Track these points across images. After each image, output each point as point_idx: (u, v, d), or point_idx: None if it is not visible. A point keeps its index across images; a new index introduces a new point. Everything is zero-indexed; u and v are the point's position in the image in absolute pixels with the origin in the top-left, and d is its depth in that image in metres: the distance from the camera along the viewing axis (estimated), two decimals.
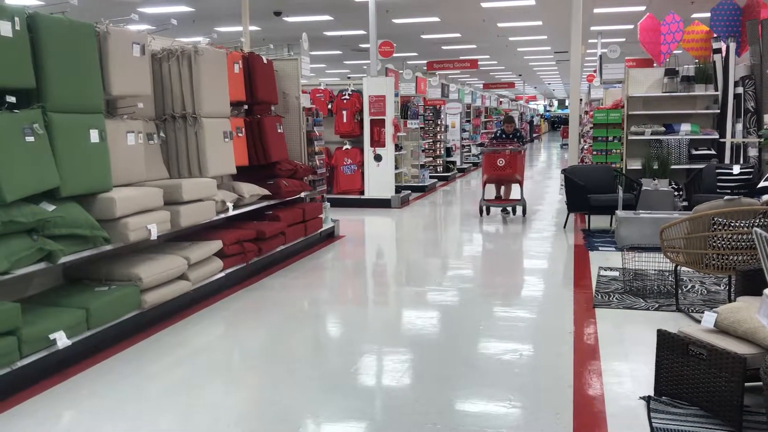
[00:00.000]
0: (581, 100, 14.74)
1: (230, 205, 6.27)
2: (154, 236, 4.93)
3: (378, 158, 11.89)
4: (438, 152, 16.76)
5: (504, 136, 11.31)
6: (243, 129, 6.86)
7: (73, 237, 4.31)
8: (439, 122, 16.71)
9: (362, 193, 12.08)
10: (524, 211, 10.29)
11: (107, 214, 4.62)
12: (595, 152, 11.45)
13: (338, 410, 3.59)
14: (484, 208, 10.47)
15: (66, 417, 3.58)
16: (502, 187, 10.83)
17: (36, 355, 3.93)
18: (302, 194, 7.99)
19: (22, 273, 3.98)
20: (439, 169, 16.71)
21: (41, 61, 4.22)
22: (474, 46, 22.99)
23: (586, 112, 14.62)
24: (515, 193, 10.76)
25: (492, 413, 3.52)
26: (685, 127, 9.59)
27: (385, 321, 5.30)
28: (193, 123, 5.88)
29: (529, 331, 4.89)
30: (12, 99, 4.06)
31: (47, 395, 3.86)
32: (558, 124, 48.13)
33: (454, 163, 18.03)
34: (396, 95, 12.74)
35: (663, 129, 9.66)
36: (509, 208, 10.67)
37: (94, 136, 4.57)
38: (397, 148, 12.65)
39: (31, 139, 4.02)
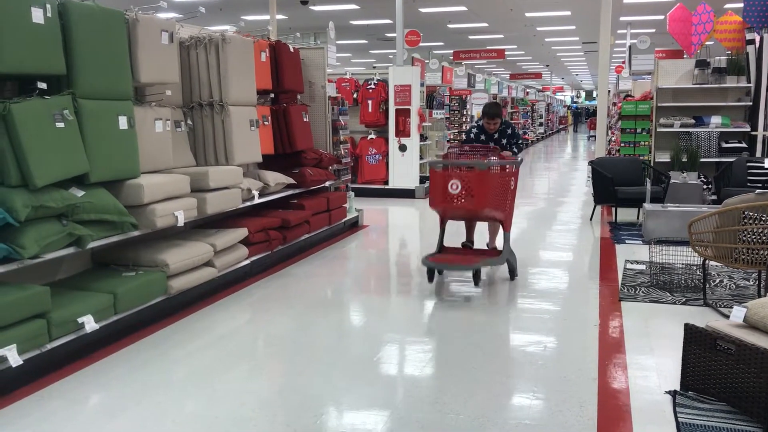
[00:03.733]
0: (609, 91, 14.58)
1: (256, 193, 6.30)
2: (180, 223, 4.98)
3: (403, 148, 11.87)
4: None
5: (483, 138, 6.67)
6: (269, 117, 6.88)
7: (101, 222, 4.37)
8: (464, 112, 16.65)
9: (386, 183, 12.07)
10: (512, 273, 6.04)
11: (135, 200, 4.67)
12: (623, 144, 11.32)
13: (360, 398, 3.60)
14: (428, 272, 5.92)
15: (94, 399, 3.64)
16: (486, 228, 7.08)
17: (65, 338, 3.99)
18: (327, 183, 8.01)
19: (52, 257, 4.04)
20: None
21: (71, 48, 4.26)
22: (501, 36, 22.81)
23: (615, 104, 14.46)
24: (499, 240, 6.65)
25: (515, 405, 3.51)
26: (716, 120, 9.44)
27: (408, 311, 5.30)
28: (220, 111, 5.91)
29: (553, 323, 4.86)
30: (43, 85, 4.11)
31: (76, 378, 3.92)
32: (587, 116, 47.62)
33: None
34: (422, 85, 12.69)
35: (693, 121, 9.52)
36: (477, 271, 5.81)
37: (122, 122, 4.62)
38: (422, 138, 12.62)
39: (61, 125, 4.07)
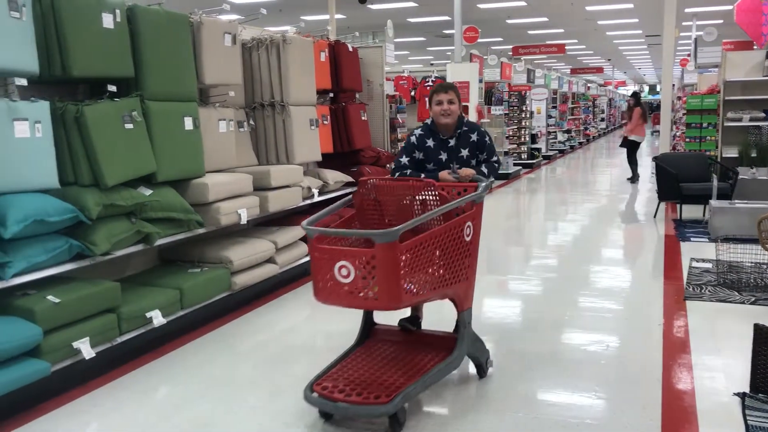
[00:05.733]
0: (674, 85, 14.19)
1: (315, 191, 6.38)
2: (244, 221, 5.08)
3: None
4: (522, 139, 16.51)
5: (432, 145, 4.00)
6: (328, 117, 6.96)
7: (168, 220, 4.50)
8: (524, 108, 16.45)
9: None
10: (480, 369, 3.84)
11: (200, 198, 4.79)
12: (688, 139, 11.01)
13: (420, 395, 3.61)
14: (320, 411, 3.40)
15: (162, 391, 3.76)
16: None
17: (134, 332, 4.14)
18: None
19: (121, 254, 4.19)
20: (524, 156, 16.46)
21: (139, 51, 4.40)
22: (561, 31, 22.46)
23: (679, 98, 14.08)
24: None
25: (576, 404, 3.47)
26: None
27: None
28: (281, 111, 6.01)
29: (616, 322, 4.78)
30: (113, 88, 4.26)
31: (144, 370, 4.06)
32: (650, 111, 46.35)
33: (539, 150, 17.72)
34: (480, 81, 12.60)
35: (763, 115, 9.18)
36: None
37: (188, 123, 4.75)
38: None
39: (130, 126, 4.21)
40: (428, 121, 4.06)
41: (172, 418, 3.42)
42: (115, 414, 3.49)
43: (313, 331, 4.82)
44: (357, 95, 7.88)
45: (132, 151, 4.22)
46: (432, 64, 21.33)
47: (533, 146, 17.41)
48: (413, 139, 4.03)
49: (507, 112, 15.30)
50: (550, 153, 19.07)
